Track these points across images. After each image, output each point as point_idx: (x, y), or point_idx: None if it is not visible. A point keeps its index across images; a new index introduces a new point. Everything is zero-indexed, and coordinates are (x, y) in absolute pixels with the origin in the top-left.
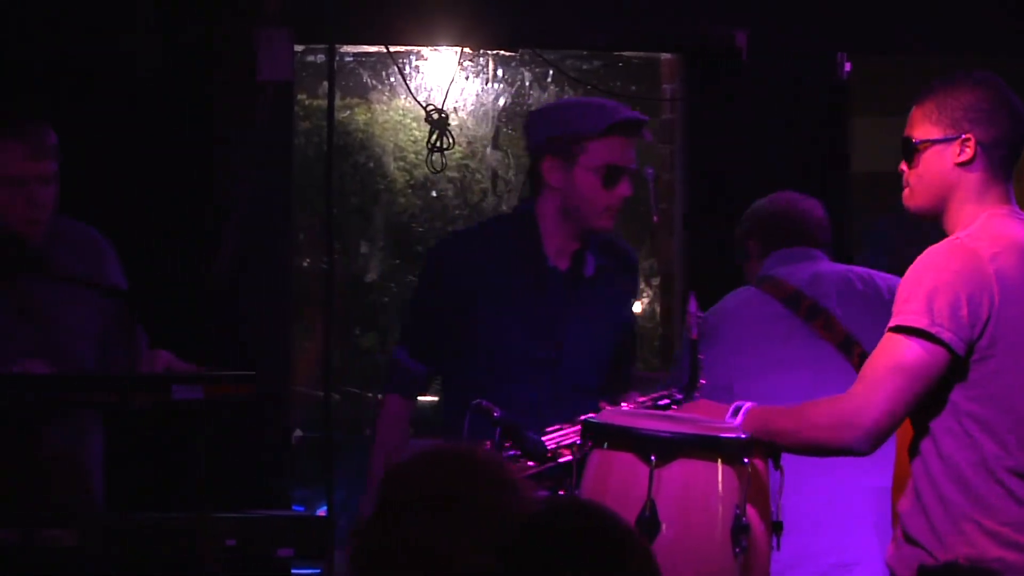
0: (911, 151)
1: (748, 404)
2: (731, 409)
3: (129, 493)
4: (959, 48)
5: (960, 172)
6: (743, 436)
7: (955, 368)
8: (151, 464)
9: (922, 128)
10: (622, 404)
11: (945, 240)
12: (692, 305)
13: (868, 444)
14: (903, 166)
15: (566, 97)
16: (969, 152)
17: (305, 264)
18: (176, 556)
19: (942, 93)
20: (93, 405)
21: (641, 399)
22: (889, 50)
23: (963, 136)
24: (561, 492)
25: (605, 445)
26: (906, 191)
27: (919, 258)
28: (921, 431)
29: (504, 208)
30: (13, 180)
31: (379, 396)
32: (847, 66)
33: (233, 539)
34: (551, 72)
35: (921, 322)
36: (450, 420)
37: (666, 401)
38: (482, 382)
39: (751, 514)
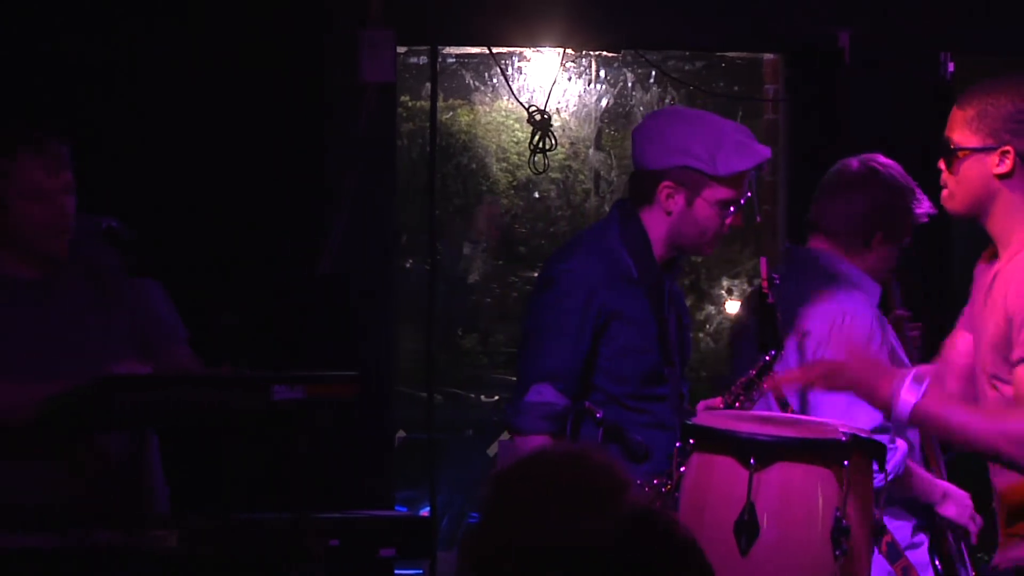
0: (950, 155)
1: (928, 380)
2: (912, 375)
3: (231, 494)
4: None
5: (1000, 182)
6: (842, 439)
7: None
8: (254, 464)
9: (962, 133)
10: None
11: None
12: (764, 270)
13: None
14: (941, 165)
15: (682, 113)
16: (1008, 164)
17: (408, 265)
18: (279, 556)
19: (984, 100)
20: (195, 406)
21: (739, 382)
22: (992, 50)
23: (1002, 148)
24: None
25: (705, 448)
26: (945, 192)
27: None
28: None
29: (606, 209)
30: (39, 194)
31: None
32: (950, 66)
33: (336, 539)
34: (654, 73)
35: None
36: None
37: (756, 371)
38: (616, 406)
39: (852, 516)
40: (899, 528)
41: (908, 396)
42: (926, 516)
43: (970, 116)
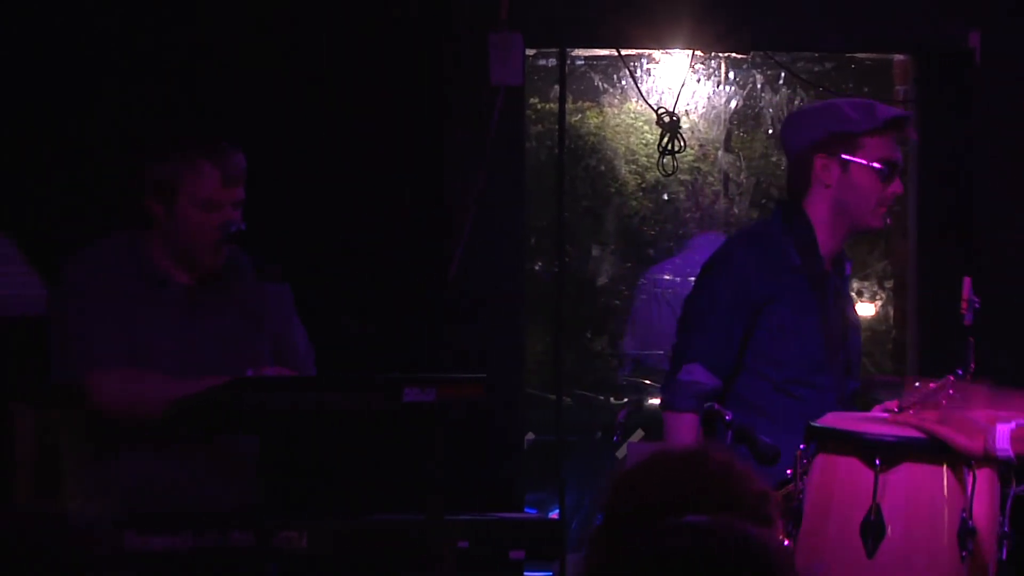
0: None
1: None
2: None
3: (361, 495)
4: None
5: None
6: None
7: None
8: (384, 466)
9: None
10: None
11: None
12: (967, 291)
13: None
14: None
15: (822, 101)
16: None
17: (537, 267)
18: (408, 558)
19: None
20: (326, 408)
21: (924, 386)
22: None
23: None
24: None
25: (829, 449)
26: None
27: None
28: None
29: (735, 211)
30: (210, 204)
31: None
32: None
33: (465, 541)
34: (783, 74)
35: None
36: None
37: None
38: (774, 391)
39: (979, 519)
40: None
41: (1003, 428)
42: None
43: None
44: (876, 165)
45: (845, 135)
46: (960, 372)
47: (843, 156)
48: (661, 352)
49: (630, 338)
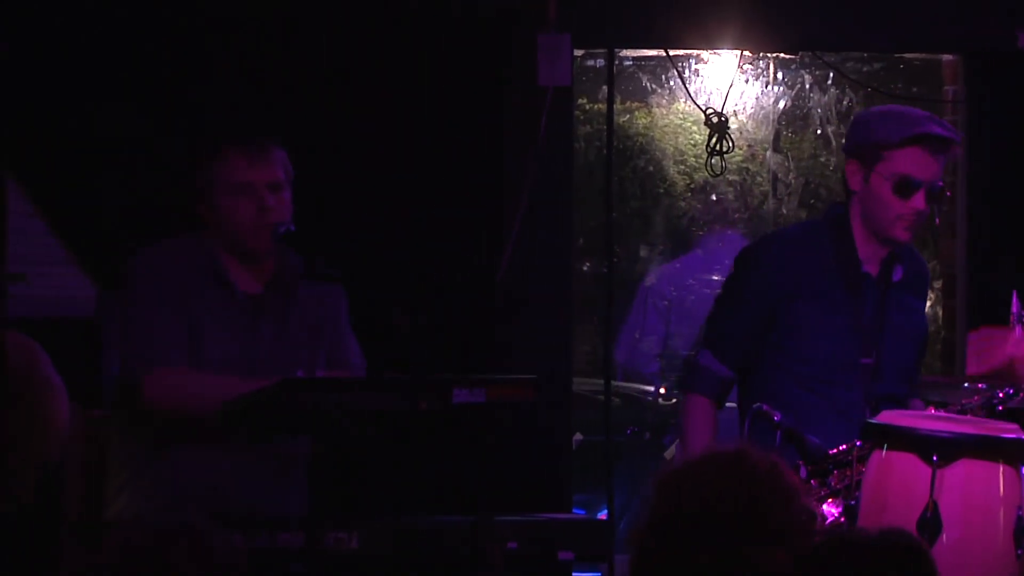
0: None
1: None
2: None
3: (410, 496)
4: None
5: None
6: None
7: None
8: (434, 467)
9: None
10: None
11: None
12: (1016, 305)
13: None
14: None
15: (885, 106)
16: None
17: (585, 268)
18: (457, 559)
19: None
20: (375, 409)
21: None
22: None
23: None
24: (839, 487)
25: (885, 446)
26: None
27: None
28: None
29: (784, 211)
30: (239, 188)
31: (677, 398)
32: None
33: (514, 542)
34: (831, 74)
35: None
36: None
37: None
38: (797, 387)
39: None
40: None
41: None
42: None
43: None
44: (892, 179)
45: (870, 144)
46: (1010, 391)
47: (866, 166)
48: (655, 356)
49: (620, 346)
